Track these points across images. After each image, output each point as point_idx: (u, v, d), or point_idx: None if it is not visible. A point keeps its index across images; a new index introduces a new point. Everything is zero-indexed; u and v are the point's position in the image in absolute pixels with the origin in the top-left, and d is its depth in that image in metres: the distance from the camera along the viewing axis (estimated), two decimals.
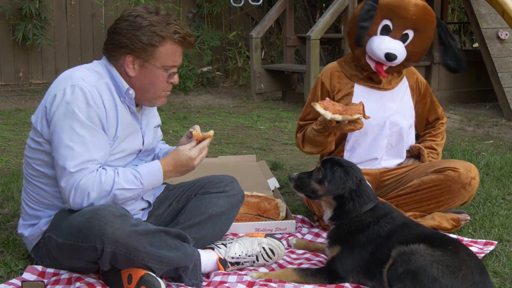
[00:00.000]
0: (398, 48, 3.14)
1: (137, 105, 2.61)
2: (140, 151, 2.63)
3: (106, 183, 2.36)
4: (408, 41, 3.17)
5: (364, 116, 2.95)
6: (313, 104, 2.95)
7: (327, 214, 2.68)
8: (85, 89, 2.38)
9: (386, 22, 3.16)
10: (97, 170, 2.36)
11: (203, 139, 2.61)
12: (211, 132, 2.65)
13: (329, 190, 2.60)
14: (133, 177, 2.43)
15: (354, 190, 2.59)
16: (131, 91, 2.51)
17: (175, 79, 2.57)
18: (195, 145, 2.55)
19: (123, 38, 2.45)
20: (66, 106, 2.36)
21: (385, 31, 3.17)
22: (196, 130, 2.64)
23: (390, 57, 3.12)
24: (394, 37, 3.16)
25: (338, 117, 2.90)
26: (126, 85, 2.50)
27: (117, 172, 2.40)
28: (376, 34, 3.17)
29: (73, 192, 2.34)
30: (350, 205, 2.59)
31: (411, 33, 3.16)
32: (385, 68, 3.19)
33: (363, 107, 2.95)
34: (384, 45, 3.13)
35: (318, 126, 3.10)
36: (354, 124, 2.95)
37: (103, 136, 2.41)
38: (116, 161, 2.50)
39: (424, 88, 3.41)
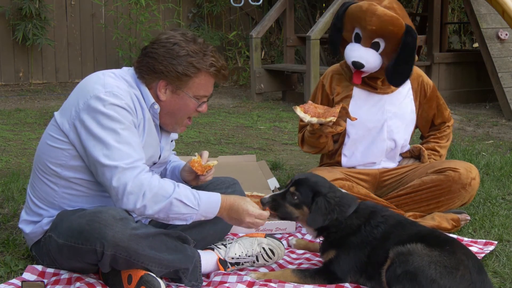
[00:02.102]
0: (366, 56, 3.14)
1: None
2: (155, 163, 2.64)
3: (164, 189, 2.31)
4: (380, 49, 3.16)
5: (350, 118, 3.01)
6: (293, 108, 3.01)
7: (311, 233, 2.64)
8: (121, 96, 2.37)
9: (357, 30, 3.19)
10: (152, 172, 2.33)
11: (205, 169, 2.63)
12: (215, 162, 2.64)
13: (315, 222, 2.54)
14: (192, 196, 2.37)
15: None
16: (156, 106, 2.50)
17: (204, 108, 2.58)
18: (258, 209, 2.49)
19: (158, 64, 2.45)
20: (104, 111, 2.33)
21: (357, 39, 3.20)
22: (199, 157, 2.63)
23: (356, 65, 3.16)
24: (365, 45, 3.16)
25: (314, 120, 2.95)
26: (152, 99, 2.49)
27: (177, 184, 2.37)
28: (351, 41, 3.22)
29: (127, 190, 2.27)
30: (333, 221, 2.55)
31: (381, 42, 3.14)
32: (363, 75, 3.21)
33: (346, 110, 2.99)
34: (352, 53, 3.18)
35: (309, 128, 3.14)
36: (334, 126, 3.01)
37: (139, 138, 2.42)
38: None
39: (430, 91, 3.38)
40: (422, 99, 3.37)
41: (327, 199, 2.53)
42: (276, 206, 2.59)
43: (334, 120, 2.95)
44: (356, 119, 3.09)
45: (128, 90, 2.43)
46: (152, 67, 2.46)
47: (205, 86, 2.52)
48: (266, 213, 2.49)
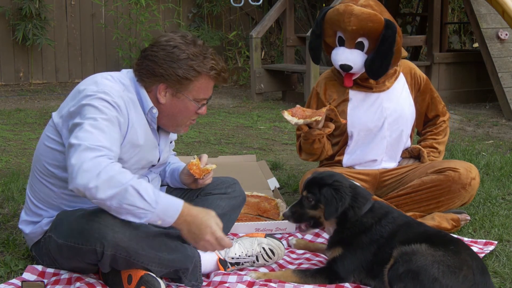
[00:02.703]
0: (352, 58, 3.16)
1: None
2: (153, 165, 2.63)
3: (123, 175, 2.18)
4: (365, 49, 3.17)
5: (339, 120, 3.03)
6: (281, 112, 3.02)
7: (330, 230, 2.63)
8: (111, 94, 2.35)
9: (339, 33, 3.21)
10: (114, 161, 2.23)
11: (203, 172, 2.62)
12: (213, 166, 2.64)
13: (329, 213, 2.54)
14: (152, 192, 2.21)
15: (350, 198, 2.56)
16: (155, 110, 2.49)
17: (203, 110, 2.57)
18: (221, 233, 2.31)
19: (158, 68, 2.43)
20: (90, 103, 2.31)
21: (341, 42, 3.22)
22: (197, 160, 2.62)
23: (344, 68, 3.19)
24: (350, 47, 3.18)
25: (300, 121, 2.97)
26: (150, 104, 2.48)
27: (139, 177, 2.28)
28: (336, 46, 3.24)
29: (83, 167, 2.13)
30: (351, 213, 2.55)
31: (365, 41, 3.16)
32: (354, 77, 3.22)
33: (335, 112, 3.00)
34: (337, 57, 3.20)
35: (302, 134, 3.15)
36: (323, 128, 3.02)
37: (120, 138, 2.36)
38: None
39: (423, 84, 3.39)
40: (416, 92, 3.39)
41: (333, 187, 2.53)
42: (298, 216, 2.61)
43: (320, 119, 2.97)
44: (346, 121, 3.12)
45: (121, 94, 2.40)
46: (152, 70, 2.44)
47: (205, 89, 2.52)
48: (229, 241, 2.31)
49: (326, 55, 3.42)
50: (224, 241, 2.29)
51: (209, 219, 2.28)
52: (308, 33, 7.04)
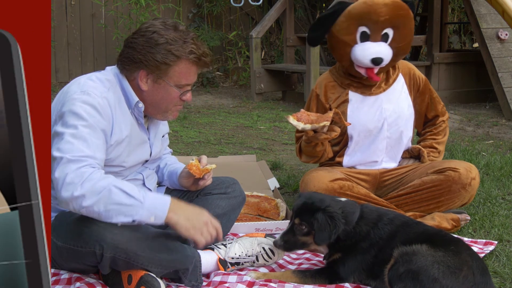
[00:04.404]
0: (382, 51, 3.15)
1: (145, 116, 2.56)
2: (147, 161, 2.63)
3: (104, 180, 2.18)
4: (389, 40, 3.17)
5: (344, 123, 3.00)
6: (286, 117, 2.98)
7: (324, 250, 2.59)
8: (94, 95, 2.34)
9: (363, 29, 3.17)
10: (98, 168, 2.23)
11: (203, 172, 2.62)
12: (213, 166, 2.64)
13: (322, 239, 2.48)
14: (137, 190, 2.21)
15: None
16: (141, 104, 2.47)
17: (188, 96, 2.54)
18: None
19: (137, 54, 2.41)
20: (72, 109, 2.30)
21: (364, 37, 3.18)
22: (196, 161, 2.62)
23: (376, 61, 3.15)
24: (375, 40, 3.16)
25: (307, 126, 2.93)
26: (136, 98, 2.46)
27: (119, 179, 2.25)
28: (356, 43, 3.19)
29: (66, 180, 2.13)
30: (343, 234, 2.51)
31: (390, 32, 3.16)
32: (376, 71, 3.20)
33: (340, 115, 2.98)
34: (367, 51, 3.15)
35: (305, 137, 3.13)
36: (329, 132, 3.00)
37: (103, 142, 2.34)
38: (122, 171, 2.48)
39: (423, 85, 3.39)
40: (415, 92, 3.38)
41: (327, 214, 2.49)
42: (291, 245, 2.57)
43: (328, 124, 2.95)
44: (350, 124, 3.10)
45: (105, 95, 2.39)
46: (132, 57, 2.43)
47: (186, 75, 2.48)
48: (220, 231, 2.35)
49: (326, 55, 3.40)
50: (217, 224, 2.33)
51: (198, 207, 2.36)
52: None
